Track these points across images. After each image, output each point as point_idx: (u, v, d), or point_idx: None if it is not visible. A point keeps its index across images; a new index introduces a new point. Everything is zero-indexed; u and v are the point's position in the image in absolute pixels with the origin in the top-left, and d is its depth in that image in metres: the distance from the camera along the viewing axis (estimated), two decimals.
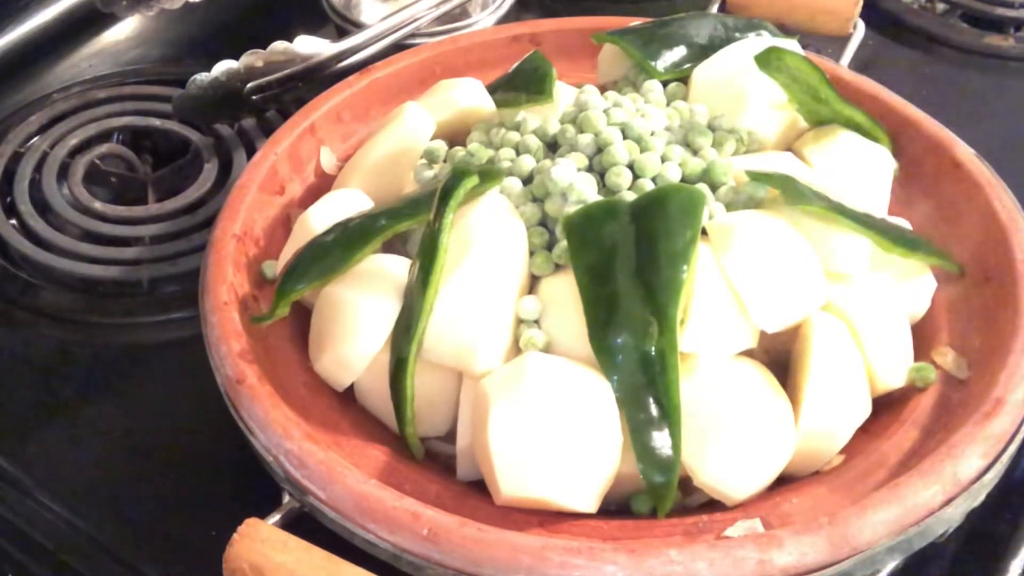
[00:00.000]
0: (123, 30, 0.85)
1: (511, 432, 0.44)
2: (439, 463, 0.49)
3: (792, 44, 0.61)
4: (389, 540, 0.43)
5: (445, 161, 0.57)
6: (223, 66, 0.70)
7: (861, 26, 0.73)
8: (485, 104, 0.60)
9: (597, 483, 0.45)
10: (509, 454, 0.44)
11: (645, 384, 0.45)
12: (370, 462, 0.47)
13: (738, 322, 0.47)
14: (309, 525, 0.45)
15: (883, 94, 0.63)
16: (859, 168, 0.55)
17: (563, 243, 0.49)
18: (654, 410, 0.44)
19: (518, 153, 0.54)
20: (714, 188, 0.52)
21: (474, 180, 0.49)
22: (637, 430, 0.44)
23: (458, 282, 0.47)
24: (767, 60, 0.55)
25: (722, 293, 0.47)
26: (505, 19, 0.81)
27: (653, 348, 0.45)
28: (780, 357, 0.50)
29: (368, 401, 0.51)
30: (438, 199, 0.49)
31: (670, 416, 0.44)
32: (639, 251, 0.47)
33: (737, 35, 0.62)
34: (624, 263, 0.47)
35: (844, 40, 0.72)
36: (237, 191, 0.58)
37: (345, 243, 0.51)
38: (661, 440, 0.44)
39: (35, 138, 0.74)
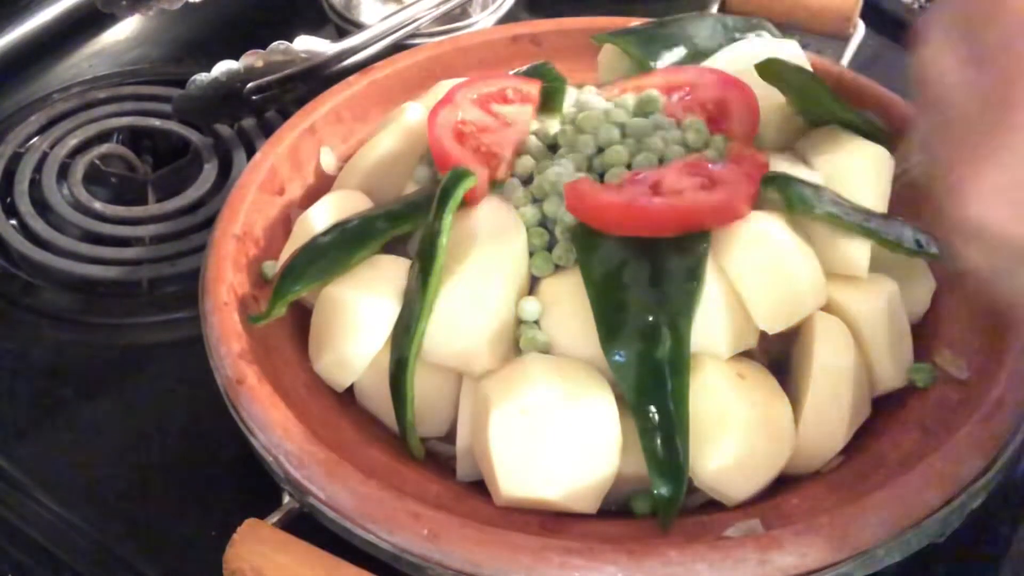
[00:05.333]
0: (123, 30, 0.85)
1: (511, 433, 0.44)
2: (439, 463, 0.49)
3: (792, 44, 0.61)
4: (389, 540, 0.43)
5: None
6: (223, 66, 0.70)
7: (861, 26, 0.73)
8: None
9: (597, 484, 0.45)
10: (509, 455, 0.44)
11: (654, 392, 0.45)
12: (370, 462, 0.47)
13: (738, 322, 0.47)
14: (309, 525, 0.45)
15: (883, 94, 0.63)
16: (859, 168, 0.55)
17: (563, 244, 0.49)
18: (663, 419, 0.44)
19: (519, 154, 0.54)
20: None
21: (472, 181, 0.49)
22: (646, 438, 0.44)
23: (458, 283, 0.47)
24: (768, 70, 0.55)
25: (722, 294, 0.47)
26: (505, 19, 0.81)
27: (665, 357, 0.45)
28: (780, 357, 0.50)
29: (368, 401, 0.51)
30: (437, 200, 0.49)
31: (679, 426, 0.44)
32: (651, 263, 0.47)
33: (737, 35, 0.62)
34: (635, 273, 0.47)
35: (844, 40, 0.72)
36: (237, 191, 0.58)
37: (343, 245, 0.51)
38: (669, 450, 0.44)
39: (35, 138, 0.74)
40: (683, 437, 0.44)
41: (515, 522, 0.44)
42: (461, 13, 0.81)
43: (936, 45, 0.38)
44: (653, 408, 0.44)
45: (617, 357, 0.45)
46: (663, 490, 0.43)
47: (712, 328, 0.46)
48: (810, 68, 0.58)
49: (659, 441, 0.44)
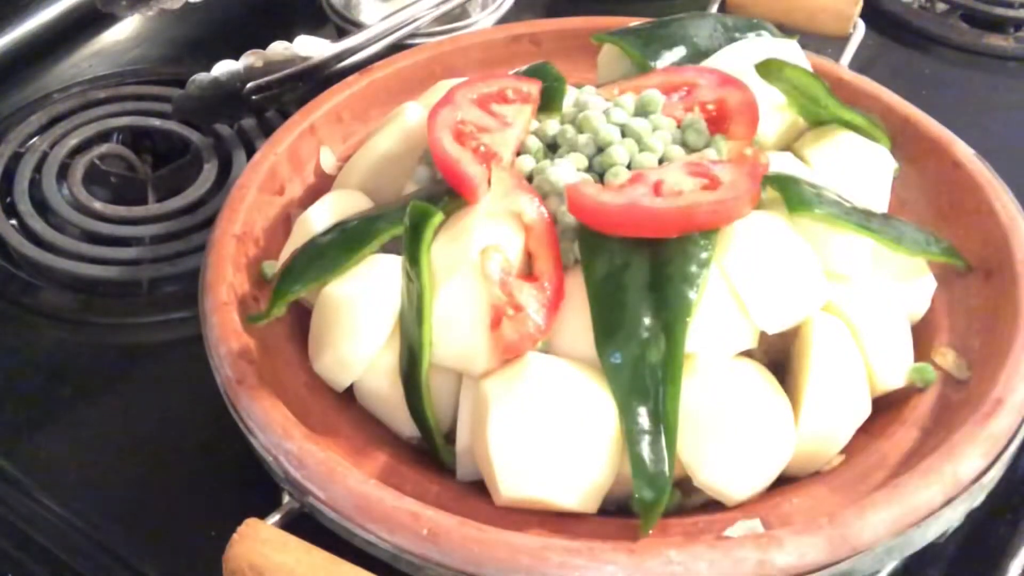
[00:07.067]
0: (123, 30, 0.85)
1: (511, 433, 0.44)
2: (439, 463, 0.49)
3: (792, 44, 0.61)
4: (389, 540, 0.43)
5: None
6: (223, 66, 0.70)
7: (861, 26, 0.73)
8: None
9: (597, 484, 0.45)
10: (509, 455, 0.44)
11: (645, 396, 0.45)
12: (370, 462, 0.47)
13: (738, 322, 0.47)
14: (309, 525, 0.45)
15: (883, 94, 0.63)
16: (859, 168, 0.55)
17: (564, 244, 0.49)
18: (652, 423, 0.44)
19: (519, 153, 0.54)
20: None
21: (439, 217, 0.49)
22: (633, 441, 0.44)
23: (458, 284, 0.47)
24: (768, 70, 0.55)
25: (722, 294, 0.47)
26: (505, 19, 0.81)
27: (658, 363, 0.45)
28: (780, 357, 0.50)
29: (368, 401, 0.51)
30: (407, 239, 0.48)
31: (667, 431, 0.44)
32: (652, 266, 0.47)
33: (737, 35, 0.62)
34: (635, 275, 0.47)
35: (844, 40, 0.72)
36: (237, 191, 0.58)
37: (342, 245, 0.51)
38: (655, 454, 0.44)
39: (35, 138, 0.74)
40: (670, 443, 0.44)
41: (515, 522, 0.44)
42: (461, 13, 0.81)
43: None
44: (642, 412, 0.44)
45: (611, 359, 0.45)
46: (645, 494, 0.43)
47: (712, 328, 0.46)
48: (810, 68, 0.58)
49: (645, 445, 0.44)
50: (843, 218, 0.49)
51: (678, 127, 0.54)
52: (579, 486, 0.44)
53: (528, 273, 0.49)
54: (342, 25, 0.81)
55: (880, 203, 0.55)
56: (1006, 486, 0.47)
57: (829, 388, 0.47)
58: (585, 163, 0.52)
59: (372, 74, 0.66)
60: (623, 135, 0.52)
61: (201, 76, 0.70)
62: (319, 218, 0.54)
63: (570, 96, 0.58)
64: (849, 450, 0.48)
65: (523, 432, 0.44)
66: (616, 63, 0.63)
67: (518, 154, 0.54)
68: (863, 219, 0.50)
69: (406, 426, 0.49)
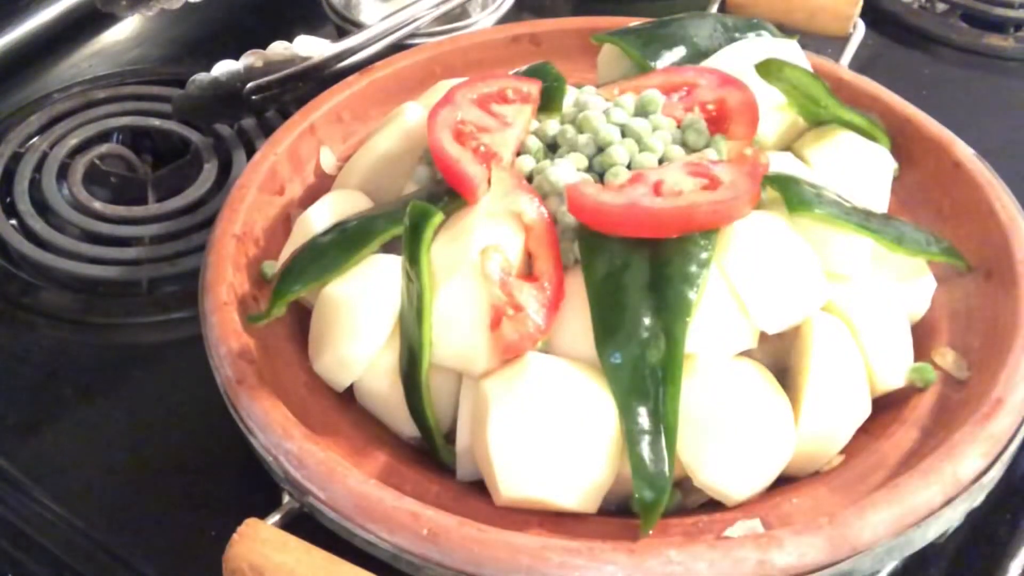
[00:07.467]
0: (123, 30, 0.85)
1: (511, 433, 0.44)
2: (439, 463, 0.49)
3: (792, 44, 0.61)
4: (389, 540, 0.43)
5: None
6: (223, 66, 0.70)
7: (861, 26, 0.73)
8: None
9: (597, 484, 0.45)
10: (509, 455, 0.44)
11: (645, 396, 0.45)
12: (370, 462, 0.47)
13: (738, 323, 0.47)
14: (309, 525, 0.45)
15: (883, 94, 0.63)
16: (859, 168, 0.55)
17: (563, 244, 0.49)
18: (652, 423, 0.44)
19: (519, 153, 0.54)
20: None
21: (439, 217, 0.49)
22: (633, 441, 0.44)
23: (458, 284, 0.47)
24: (768, 70, 0.55)
25: (722, 294, 0.47)
26: (505, 19, 0.81)
27: (658, 363, 0.45)
28: (780, 357, 0.50)
29: (368, 401, 0.51)
30: (407, 239, 0.48)
31: (667, 431, 0.44)
32: (652, 266, 0.47)
33: (737, 35, 0.62)
34: (635, 275, 0.47)
35: (844, 40, 0.73)
36: (237, 191, 0.58)
37: (343, 244, 0.51)
38: (655, 455, 0.44)
39: (35, 138, 0.74)
40: (670, 443, 0.44)
41: (515, 522, 0.44)
42: (461, 13, 0.81)
43: None
44: (642, 412, 0.44)
45: (611, 359, 0.45)
46: (645, 494, 0.43)
47: (712, 328, 0.46)
48: (810, 68, 0.58)
49: (645, 445, 0.44)
50: (843, 218, 0.49)
51: (678, 127, 0.54)
52: (579, 486, 0.44)
53: (528, 273, 0.49)
54: (342, 25, 0.81)
55: (880, 203, 0.55)
56: (1006, 486, 0.47)
57: (829, 388, 0.47)
58: (585, 163, 0.52)
59: (372, 74, 0.66)
60: (623, 135, 0.52)
61: (201, 76, 0.70)
62: (319, 218, 0.54)
63: (570, 96, 0.58)
64: (849, 450, 0.48)
65: (523, 432, 0.44)
66: (616, 63, 0.63)
67: (518, 154, 0.54)
68: (863, 219, 0.50)
69: (406, 426, 0.49)
